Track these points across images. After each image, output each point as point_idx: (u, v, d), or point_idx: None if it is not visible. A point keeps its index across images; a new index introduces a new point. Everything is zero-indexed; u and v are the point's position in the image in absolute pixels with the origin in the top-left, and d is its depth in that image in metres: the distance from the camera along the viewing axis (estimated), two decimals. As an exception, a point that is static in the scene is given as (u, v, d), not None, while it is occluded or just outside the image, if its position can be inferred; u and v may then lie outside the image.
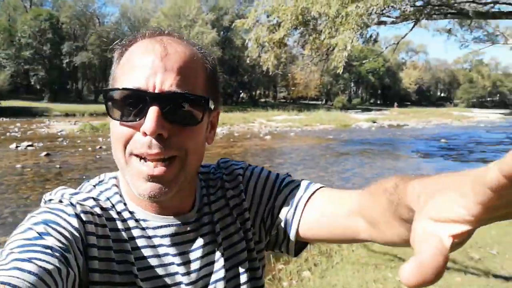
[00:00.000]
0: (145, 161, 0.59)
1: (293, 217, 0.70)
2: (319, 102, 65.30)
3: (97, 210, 0.62)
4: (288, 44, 12.28)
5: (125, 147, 0.60)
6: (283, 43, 11.24)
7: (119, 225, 0.64)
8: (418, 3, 9.33)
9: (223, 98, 53.89)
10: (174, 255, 0.66)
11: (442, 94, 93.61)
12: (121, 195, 0.67)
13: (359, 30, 8.49)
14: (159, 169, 0.59)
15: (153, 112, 0.57)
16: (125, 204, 0.67)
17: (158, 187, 0.59)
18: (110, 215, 0.64)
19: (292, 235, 0.71)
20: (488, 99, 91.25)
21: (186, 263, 0.67)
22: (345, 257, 4.26)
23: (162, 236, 0.66)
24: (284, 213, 0.72)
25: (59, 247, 0.51)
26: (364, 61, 19.08)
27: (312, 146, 16.72)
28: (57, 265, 0.48)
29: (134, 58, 0.61)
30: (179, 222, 0.67)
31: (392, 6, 8.55)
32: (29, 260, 0.47)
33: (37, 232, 0.52)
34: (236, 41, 47.35)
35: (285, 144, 16.92)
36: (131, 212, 0.66)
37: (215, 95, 0.66)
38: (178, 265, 0.66)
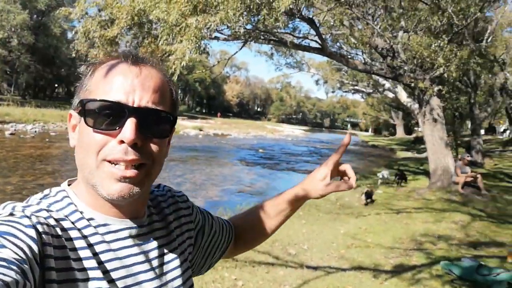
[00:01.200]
0: (117, 165, 0.65)
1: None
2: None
3: (51, 221, 0.63)
4: (119, 43, 11.69)
5: (97, 153, 0.65)
6: (115, 42, 10.63)
7: (75, 234, 0.65)
8: (248, 27, 10.30)
9: (33, 91, 46.69)
10: (136, 254, 0.71)
11: (259, 109, 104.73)
12: (75, 205, 0.69)
13: (197, 42, 8.78)
14: (131, 171, 0.65)
15: (131, 123, 0.63)
16: (81, 212, 0.68)
17: (128, 187, 0.65)
18: (64, 226, 0.64)
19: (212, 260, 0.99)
20: (294, 116, 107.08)
21: (147, 261, 0.72)
22: (184, 263, 4.36)
23: (124, 238, 0.70)
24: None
25: (15, 259, 0.51)
26: (196, 71, 19.74)
27: (141, 151, 16.20)
28: (14, 277, 0.48)
29: (113, 74, 0.67)
30: (136, 225, 0.73)
31: (227, 25, 9.18)
32: None
33: None
34: (54, 29, 41.81)
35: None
36: (89, 219, 0.68)
37: (176, 113, 0.75)
38: (141, 263, 0.71)
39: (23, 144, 14.74)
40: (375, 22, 11.08)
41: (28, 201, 0.69)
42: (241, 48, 12.35)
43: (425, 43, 9.57)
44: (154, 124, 0.67)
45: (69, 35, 42.52)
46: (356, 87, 24.94)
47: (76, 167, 0.70)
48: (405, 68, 10.31)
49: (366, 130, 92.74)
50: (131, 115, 0.64)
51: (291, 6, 8.65)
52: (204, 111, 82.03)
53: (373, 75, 14.47)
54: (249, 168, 14.97)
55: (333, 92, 38.66)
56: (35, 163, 11.27)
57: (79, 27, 10.45)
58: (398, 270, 4.61)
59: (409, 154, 24.60)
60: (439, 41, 9.40)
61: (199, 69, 29.57)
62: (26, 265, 0.52)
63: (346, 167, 1.00)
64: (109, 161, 0.64)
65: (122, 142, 0.64)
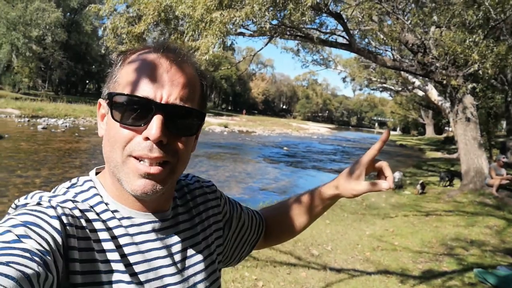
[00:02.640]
0: (142, 161, 0.64)
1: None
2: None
3: (76, 212, 0.63)
4: (147, 40, 11.84)
5: (123, 148, 0.64)
6: (142, 38, 10.74)
7: (99, 225, 0.65)
8: (274, 22, 10.16)
9: (65, 87, 48.23)
10: (159, 249, 0.70)
11: (284, 106, 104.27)
12: (101, 196, 0.69)
13: (221, 37, 8.72)
14: (155, 168, 0.64)
15: (158, 120, 0.62)
16: (106, 204, 0.68)
17: (151, 184, 0.64)
18: (89, 217, 0.64)
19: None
20: (320, 114, 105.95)
21: (170, 255, 0.71)
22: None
23: (147, 232, 0.70)
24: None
25: (38, 250, 0.51)
26: (222, 68, 19.75)
27: (166, 147, 16.39)
28: (36, 269, 0.48)
29: (142, 67, 0.65)
30: (160, 219, 0.72)
31: (252, 20, 9.07)
32: (7, 264, 0.46)
33: (16, 235, 0.52)
34: (86, 27, 43.00)
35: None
36: (113, 211, 0.68)
37: (205, 109, 0.74)
38: (163, 257, 0.70)
39: (53, 138, 15.17)
40: (406, 17, 10.71)
41: (55, 190, 0.70)
42: (266, 44, 12.25)
43: (459, 39, 9.14)
44: (181, 122, 0.66)
45: (100, 32, 43.58)
46: (384, 85, 24.32)
47: (103, 161, 0.70)
48: (437, 64, 9.89)
49: (394, 129, 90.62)
50: (158, 112, 0.63)
51: (318, 1, 8.44)
52: (229, 108, 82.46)
53: (402, 73, 14.00)
54: (273, 166, 14.84)
55: (360, 89, 37.84)
56: (64, 157, 11.57)
57: (107, 24, 10.62)
58: (427, 276, 4.38)
59: (439, 155, 23.79)
60: (474, 36, 8.94)
61: (224, 65, 29.64)
62: (49, 257, 0.52)
63: (383, 165, 0.90)
64: (135, 157, 0.64)
65: (147, 138, 0.63)
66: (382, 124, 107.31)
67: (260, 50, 12.54)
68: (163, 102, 0.63)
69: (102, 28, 10.93)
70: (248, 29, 10.95)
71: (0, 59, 32.65)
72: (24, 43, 32.73)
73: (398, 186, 9.85)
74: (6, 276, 0.44)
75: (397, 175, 10.00)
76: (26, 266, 0.47)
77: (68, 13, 43.25)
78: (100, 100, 0.70)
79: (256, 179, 11.62)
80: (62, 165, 10.34)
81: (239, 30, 10.28)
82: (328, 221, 6.46)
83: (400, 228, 6.40)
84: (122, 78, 0.67)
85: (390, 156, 24.00)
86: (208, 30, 8.28)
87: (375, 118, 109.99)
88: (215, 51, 8.80)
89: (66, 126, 19.65)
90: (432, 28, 10.47)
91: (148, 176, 0.63)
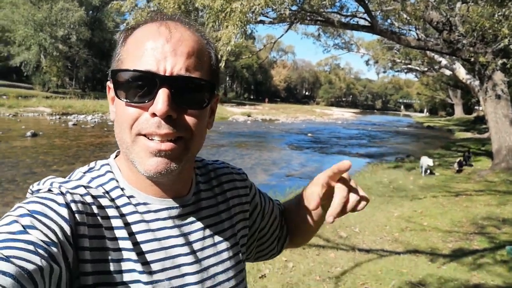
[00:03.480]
0: (152, 139, 0.61)
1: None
2: (196, 94, 64.88)
3: (88, 198, 0.61)
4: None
5: (131, 127, 0.61)
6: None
7: (113, 212, 0.62)
8: (293, 8, 10.08)
9: (92, 84, 49.53)
10: (177, 236, 0.67)
11: (307, 93, 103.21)
12: (117, 181, 0.66)
13: (242, 27, 8.76)
14: (166, 144, 0.60)
15: (163, 94, 0.58)
16: (122, 189, 0.66)
17: (165, 162, 0.60)
18: (102, 203, 0.62)
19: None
20: (343, 99, 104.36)
21: (188, 244, 0.68)
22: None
23: (165, 219, 0.66)
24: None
25: (44, 241, 0.49)
26: (243, 57, 19.78)
27: (192, 138, 16.68)
28: (39, 263, 0.46)
29: (142, 40, 0.61)
30: (179, 205, 0.69)
31: (272, 7, 9.05)
32: (7, 259, 0.44)
33: (22, 225, 0.50)
34: (108, 24, 43.81)
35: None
36: (129, 197, 0.65)
37: (217, 81, 0.68)
38: (181, 246, 0.67)
39: (84, 133, 15.73)
40: (430, -6, 10.37)
41: (71, 175, 0.68)
42: (287, 31, 12.17)
43: (487, 13, 8.81)
44: (189, 94, 0.61)
45: (122, 28, 44.36)
46: (409, 66, 23.69)
47: None
48: (464, 41, 9.59)
49: (421, 111, 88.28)
50: (163, 85, 0.59)
51: (338, -17, 8.32)
52: (252, 97, 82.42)
53: (428, 52, 13.61)
54: (298, 152, 14.88)
55: (384, 72, 37.14)
56: (96, 151, 12.01)
57: (129, 19, 10.84)
58: (457, 255, 4.39)
59: (468, 135, 23.13)
60: (503, 10, 8.59)
61: (245, 54, 29.57)
62: (55, 248, 0.50)
63: (338, 187, 0.71)
64: (144, 135, 0.60)
65: (154, 115, 0.59)
66: (408, 107, 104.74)
67: (280, 37, 12.49)
68: (167, 74, 0.59)
69: (124, 24, 11.13)
70: (267, 17, 10.91)
71: (29, 59, 33.81)
72: (51, 43, 33.72)
73: (430, 173, 9.43)
74: (4, 273, 0.42)
75: (425, 161, 9.37)
76: (28, 260, 0.45)
77: (91, 11, 44.14)
78: (108, 83, 0.66)
79: (282, 165, 11.72)
80: (94, 159, 10.46)
81: (259, 18, 10.26)
82: (356, 204, 6.50)
83: (429, 209, 6.36)
84: (124, 54, 0.63)
85: (417, 139, 23.54)
86: (229, 20, 8.34)
87: (400, 100, 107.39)
88: (236, 40, 8.85)
89: (95, 121, 20.27)
90: (458, 4, 10.13)
91: (160, 153, 0.60)
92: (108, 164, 0.69)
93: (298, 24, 12.24)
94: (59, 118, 20.83)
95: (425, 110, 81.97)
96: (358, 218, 5.73)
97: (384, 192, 7.63)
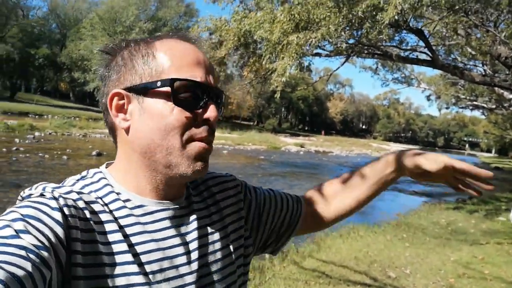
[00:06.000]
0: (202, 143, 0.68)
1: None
2: (251, 123, 66.55)
3: (80, 203, 0.62)
4: (226, 63, 12.49)
5: (183, 133, 0.66)
6: (223, 62, 11.42)
7: (106, 217, 0.63)
8: (350, 41, 10.12)
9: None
10: (174, 237, 0.68)
11: (364, 126, 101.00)
12: (112, 186, 0.68)
13: (298, 59, 8.94)
14: (211, 147, 0.70)
15: (214, 103, 0.68)
16: (118, 193, 0.67)
17: (207, 163, 0.70)
18: (94, 208, 0.63)
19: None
20: (402, 134, 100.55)
21: (185, 244, 0.69)
22: (277, 273, 4.39)
23: (161, 219, 0.68)
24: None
25: (36, 246, 0.50)
26: (299, 88, 19.98)
27: (244, 165, 16.96)
28: (29, 269, 0.46)
29: (182, 55, 0.68)
30: (175, 206, 0.71)
31: (328, 41, 9.16)
32: None
33: (15, 230, 0.51)
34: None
35: (219, 161, 16.90)
36: (125, 201, 0.67)
37: None
38: (178, 245, 0.68)
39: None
40: (498, 29, 9.93)
41: (64, 182, 0.69)
42: (343, 64, 12.16)
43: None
44: (221, 104, 0.72)
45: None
46: (474, 103, 22.41)
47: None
48: (536, 78, 8.96)
49: (489, 151, 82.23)
50: (213, 95, 0.68)
51: (396, 18, 8.29)
52: (306, 128, 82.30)
53: (496, 89, 12.85)
54: (350, 186, 14.43)
55: (447, 108, 35.26)
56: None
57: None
58: (521, 309, 3.95)
59: (543, 179, 21.04)
60: None
61: (301, 86, 29.91)
62: (46, 252, 0.50)
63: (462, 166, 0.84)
64: (198, 140, 0.67)
65: (205, 122, 0.67)
66: (473, 145, 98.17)
67: (336, 69, 12.51)
68: (213, 85, 0.69)
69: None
70: (324, 49, 11.02)
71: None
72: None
73: None
74: None
75: None
76: (19, 266, 0.45)
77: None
78: (119, 91, 0.67)
79: (332, 199, 11.42)
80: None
81: (315, 51, 10.41)
82: (408, 244, 6.14)
83: (492, 256, 5.83)
84: (163, 66, 0.67)
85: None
86: (285, 52, 8.56)
87: (465, 138, 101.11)
88: (291, 72, 9.02)
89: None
90: (529, 39, 9.56)
91: (206, 155, 0.69)
92: (100, 172, 0.71)
93: (355, 57, 12.23)
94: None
95: (493, 150, 76.25)
96: (410, 259, 5.40)
97: (441, 234, 7.13)
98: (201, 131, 0.67)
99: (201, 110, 0.67)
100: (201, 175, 0.68)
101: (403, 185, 16.43)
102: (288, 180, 13.91)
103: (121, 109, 0.68)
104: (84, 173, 0.71)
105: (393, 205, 11.08)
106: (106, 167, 0.73)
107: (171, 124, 0.65)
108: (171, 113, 0.65)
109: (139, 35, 38.88)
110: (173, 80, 0.65)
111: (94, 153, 14.48)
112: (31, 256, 0.48)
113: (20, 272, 0.45)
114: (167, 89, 0.65)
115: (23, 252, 0.48)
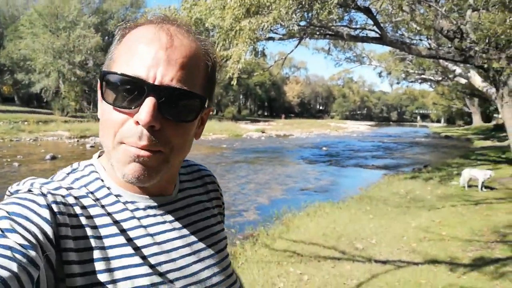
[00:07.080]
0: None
1: None
2: (210, 113, 65.56)
3: (70, 199, 0.59)
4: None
5: (115, 134, 0.59)
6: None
7: (98, 211, 0.61)
8: (302, 23, 10.20)
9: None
10: (168, 231, 0.67)
11: (321, 107, 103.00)
12: (102, 180, 0.65)
13: (252, 44, 8.90)
14: (145, 152, 0.58)
15: (149, 103, 0.56)
16: (108, 188, 0.65)
17: (142, 168, 0.59)
18: (85, 203, 0.60)
19: None
20: (358, 112, 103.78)
21: (180, 238, 0.68)
22: (249, 258, 4.43)
23: (154, 215, 0.66)
24: None
25: (22, 245, 0.47)
26: (255, 74, 19.94)
27: (207, 155, 16.83)
28: (15, 270, 0.44)
29: (137, 43, 0.59)
30: (165, 202, 0.69)
31: (280, 24, 9.17)
32: None
33: (0, 229, 0.48)
34: (123, 48, 44.97)
35: (179, 154, 16.68)
36: (116, 196, 0.64)
37: (211, 93, 0.67)
38: (173, 239, 0.67)
39: (102, 155, 16.03)
40: (439, 4, 10.37)
41: (53, 176, 0.66)
42: (296, 46, 12.25)
43: (499, 19, 8.74)
44: (177, 106, 0.59)
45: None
46: (423, 76, 23.51)
47: None
48: (476, 48, 9.49)
49: (438, 121, 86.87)
50: (150, 93, 0.56)
51: (344, -3, 8.41)
52: (266, 113, 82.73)
53: (441, 61, 13.51)
54: (313, 166, 14.79)
55: (398, 83, 36.89)
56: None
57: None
58: (478, 264, 4.26)
59: (488, 143, 22.62)
60: (515, 15, 8.51)
61: (258, 71, 29.93)
62: (33, 252, 0.48)
63: None
64: (124, 143, 0.59)
65: (138, 123, 0.57)
66: (424, 117, 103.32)
67: (290, 53, 12.56)
68: (156, 83, 0.57)
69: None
70: (277, 33, 11.05)
71: (49, 86, 35.01)
72: (69, 69, 34.88)
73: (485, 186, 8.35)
74: None
75: (480, 173, 8.18)
76: (3, 267, 0.43)
77: (107, 37, 45.48)
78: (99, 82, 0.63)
79: (296, 180, 11.66)
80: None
81: (268, 35, 10.40)
82: (372, 216, 6.40)
83: (448, 218, 6.21)
84: (117, 55, 0.61)
85: (435, 149, 23.14)
86: (238, 38, 8.49)
87: (416, 111, 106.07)
88: (247, 58, 8.98)
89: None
90: (469, 12, 10.08)
91: (138, 159, 0.58)
92: (92, 165, 0.68)
93: (308, 39, 12.34)
94: (77, 141, 21.34)
95: (442, 120, 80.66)
96: (375, 229, 5.64)
97: (401, 203, 7.49)
98: (131, 135, 0.58)
99: (135, 109, 0.57)
100: (135, 182, 0.60)
101: (364, 160, 17.03)
102: (252, 166, 13.99)
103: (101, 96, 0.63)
104: (75, 166, 0.68)
105: (355, 180, 11.48)
106: (99, 156, 0.70)
107: (104, 122, 0.61)
108: (105, 110, 0.61)
109: (84, 29, 37.09)
110: (104, 73, 0.60)
111: (48, 157, 13.76)
112: (17, 256, 0.46)
113: (4, 274, 0.43)
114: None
115: (8, 252, 0.45)
